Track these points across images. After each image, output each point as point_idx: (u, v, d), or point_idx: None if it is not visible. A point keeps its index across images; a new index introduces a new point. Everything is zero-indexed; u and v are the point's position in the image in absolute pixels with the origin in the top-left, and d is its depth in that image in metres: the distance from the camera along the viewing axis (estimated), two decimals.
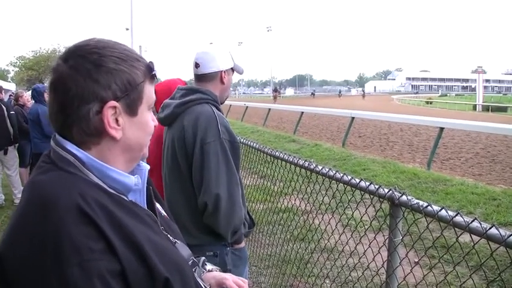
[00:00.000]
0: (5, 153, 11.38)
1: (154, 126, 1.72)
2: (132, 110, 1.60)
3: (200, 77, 3.72)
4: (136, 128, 1.63)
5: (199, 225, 3.49)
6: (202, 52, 3.73)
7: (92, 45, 1.57)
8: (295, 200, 5.98)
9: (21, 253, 1.37)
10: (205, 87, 3.67)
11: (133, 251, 1.42)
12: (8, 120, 11.18)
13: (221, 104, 3.77)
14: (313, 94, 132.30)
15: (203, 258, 2.06)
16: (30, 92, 12.73)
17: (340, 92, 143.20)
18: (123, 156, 1.62)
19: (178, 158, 3.54)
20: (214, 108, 3.57)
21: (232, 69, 3.85)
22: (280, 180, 5.72)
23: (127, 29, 66.97)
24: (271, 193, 7.02)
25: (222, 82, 3.74)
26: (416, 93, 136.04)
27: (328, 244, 5.09)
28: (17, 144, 11.77)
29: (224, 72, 3.72)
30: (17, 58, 62.84)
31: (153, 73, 1.67)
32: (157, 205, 1.84)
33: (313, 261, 5.87)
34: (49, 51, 60.97)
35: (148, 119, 1.67)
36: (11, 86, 32.83)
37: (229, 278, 2.08)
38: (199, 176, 3.42)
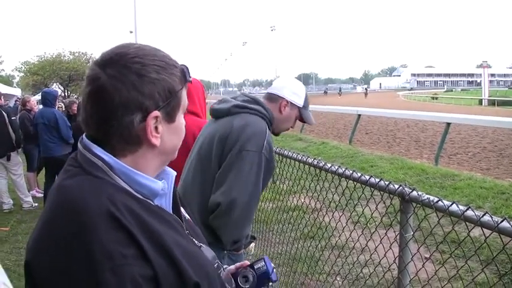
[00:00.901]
0: (8, 159, 11.38)
1: None
2: (171, 117, 1.60)
3: (267, 95, 3.80)
4: (173, 134, 1.64)
5: (205, 223, 3.45)
6: (286, 78, 3.90)
7: (132, 54, 1.55)
8: (304, 198, 5.98)
9: (50, 260, 1.36)
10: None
11: (163, 255, 1.42)
12: (9, 126, 11.13)
13: (274, 134, 3.80)
14: (325, 92, 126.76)
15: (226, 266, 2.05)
16: (35, 96, 12.76)
17: (340, 90, 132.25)
18: (156, 161, 1.63)
19: (212, 152, 3.52)
20: (267, 126, 3.59)
21: (299, 109, 3.80)
22: (289, 178, 5.74)
23: (131, 32, 66.98)
24: (280, 192, 7.03)
25: (280, 111, 3.72)
26: (411, 89, 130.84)
27: (338, 241, 5.09)
28: (19, 150, 11.80)
29: (286, 102, 3.72)
30: (22, 63, 62.75)
31: (189, 80, 1.67)
32: (182, 209, 1.84)
33: (324, 258, 5.89)
34: (54, 56, 60.88)
35: (183, 123, 1.69)
36: (16, 91, 32.97)
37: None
38: (223, 176, 3.40)
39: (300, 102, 3.76)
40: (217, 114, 3.71)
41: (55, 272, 1.35)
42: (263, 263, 2.04)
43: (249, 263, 2.05)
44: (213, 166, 3.50)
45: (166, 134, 1.59)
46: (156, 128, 1.55)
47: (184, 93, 1.65)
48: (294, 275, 6.07)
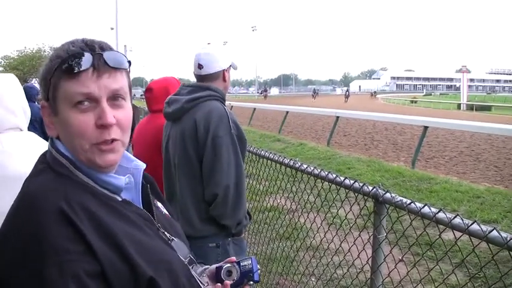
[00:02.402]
0: None
1: (102, 126, 1.54)
2: (53, 109, 1.58)
3: (204, 77, 3.86)
4: (62, 128, 1.58)
5: (203, 218, 3.63)
6: (204, 53, 3.86)
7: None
8: (280, 199, 6.02)
9: (8, 252, 1.40)
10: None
11: (114, 251, 1.44)
12: None
13: None
14: (315, 93, 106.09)
15: (205, 266, 2.03)
16: None
17: (315, 91, 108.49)
18: (77, 155, 1.57)
19: (189, 151, 3.66)
20: (223, 105, 3.76)
21: (231, 66, 3.98)
22: (265, 179, 5.75)
23: (112, 29, 67.00)
24: (256, 192, 7.05)
25: (224, 80, 3.90)
26: (374, 92, 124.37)
27: (313, 242, 5.12)
28: None
29: (226, 70, 3.89)
30: (2, 58, 62.19)
31: (65, 66, 1.52)
32: (158, 203, 1.85)
33: (298, 259, 5.90)
34: (34, 51, 60.43)
35: (71, 119, 1.53)
36: None
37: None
38: (209, 168, 3.57)
39: (230, 61, 3.96)
40: (172, 116, 3.84)
41: (12, 263, 1.38)
42: (250, 261, 2.05)
43: (236, 260, 2.06)
44: (193, 163, 3.64)
45: (58, 127, 1.60)
46: (51, 120, 1.61)
47: (64, 85, 1.52)
48: (269, 275, 6.08)
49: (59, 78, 1.52)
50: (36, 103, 11.50)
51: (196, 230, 3.58)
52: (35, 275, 1.34)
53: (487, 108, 57.44)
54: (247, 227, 4.15)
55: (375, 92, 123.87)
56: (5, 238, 1.43)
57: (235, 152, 3.62)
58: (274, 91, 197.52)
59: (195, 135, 3.62)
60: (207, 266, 2.03)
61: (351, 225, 3.85)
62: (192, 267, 1.81)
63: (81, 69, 1.51)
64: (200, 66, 3.83)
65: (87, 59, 1.52)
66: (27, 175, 1.60)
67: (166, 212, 1.91)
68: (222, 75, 3.87)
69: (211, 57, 3.85)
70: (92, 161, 1.56)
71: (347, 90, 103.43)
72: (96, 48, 1.56)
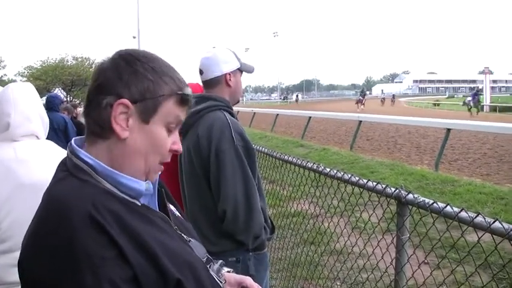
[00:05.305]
0: None
1: (174, 151, 1.74)
2: (145, 117, 1.62)
3: (206, 84, 3.68)
4: (145, 137, 1.64)
5: (219, 233, 3.44)
6: (204, 57, 3.67)
7: (137, 51, 1.68)
8: (304, 204, 6.02)
9: (39, 261, 1.43)
10: (212, 93, 3.62)
11: (144, 255, 1.47)
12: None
13: (234, 105, 3.72)
14: (363, 96, 77.08)
15: (220, 261, 2.01)
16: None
17: (363, 92, 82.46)
18: (128, 163, 1.63)
19: (195, 167, 3.50)
20: (227, 115, 3.53)
21: (240, 70, 3.74)
22: (289, 184, 5.77)
23: (134, 37, 67.22)
24: (280, 197, 7.07)
25: (228, 85, 3.64)
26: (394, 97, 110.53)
27: (337, 246, 5.13)
28: None
29: (229, 74, 3.63)
30: (25, 68, 62.50)
31: (181, 93, 1.69)
32: (171, 206, 1.88)
33: (323, 263, 5.91)
34: (57, 61, 60.72)
35: (160, 135, 1.67)
36: None
37: (248, 279, 2.10)
38: (216, 183, 3.39)
39: (236, 64, 3.70)
40: (181, 131, 3.68)
41: (43, 272, 1.41)
42: None
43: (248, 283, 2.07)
44: (202, 179, 3.49)
45: (137, 133, 1.62)
46: (126, 120, 1.60)
47: (170, 107, 1.67)
48: (294, 279, 6.10)
49: (169, 99, 1.67)
50: (61, 112, 11.60)
51: (214, 245, 3.37)
52: (71, 284, 1.37)
53: (511, 110, 56.76)
54: (271, 241, 4.00)
55: (393, 95, 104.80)
56: (36, 250, 1.46)
57: (241, 164, 3.41)
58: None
59: (199, 150, 3.46)
60: (222, 262, 2.02)
61: (375, 227, 3.87)
62: (209, 266, 1.85)
63: (188, 104, 1.74)
64: (201, 72, 3.67)
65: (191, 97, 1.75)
66: (43, 183, 1.63)
67: (179, 215, 1.95)
68: (223, 80, 3.62)
69: (210, 61, 3.63)
70: (147, 174, 1.69)
71: (362, 93, 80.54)
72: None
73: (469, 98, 55.57)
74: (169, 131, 1.70)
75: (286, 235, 6.49)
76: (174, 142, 1.72)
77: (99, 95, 1.60)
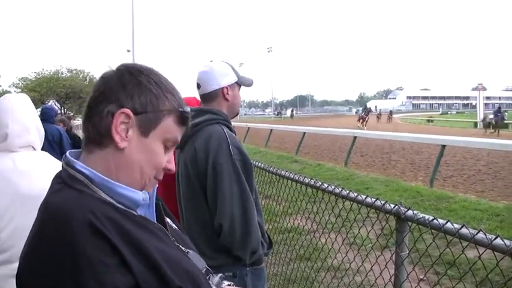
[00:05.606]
0: None
1: (167, 170, 1.75)
2: (144, 130, 1.63)
3: (203, 97, 3.67)
4: (142, 150, 1.64)
5: (216, 247, 3.40)
6: (202, 71, 3.65)
7: (142, 66, 1.70)
8: (301, 219, 6.02)
9: (39, 272, 1.41)
10: (210, 106, 3.61)
11: (145, 263, 1.46)
12: None
13: (232, 118, 3.71)
14: (367, 112, 69.93)
15: (220, 274, 2.01)
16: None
17: (366, 109, 73.97)
18: (125, 173, 1.63)
19: (192, 180, 3.48)
20: (225, 129, 3.51)
21: (238, 84, 3.72)
22: (286, 200, 5.76)
23: (128, 51, 67.20)
24: (276, 212, 7.06)
25: (226, 99, 3.62)
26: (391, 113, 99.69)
27: (334, 263, 5.12)
28: None
29: (226, 88, 3.61)
30: (20, 79, 62.53)
31: (181, 111, 1.71)
32: (168, 219, 1.87)
33: (319, 280, 5.90)
34: (51, 73, 60.83)
35: (157, 150, 1.68)
36: None
37: None
38: (213, 197, 3.37)
39: (234, 78, 3.67)
40: (178, 144, 3.65)
41: (44, 283, 1.40)
42: None
43: None
44: (199, 193, 3.47)
45: (135, 145, 1.63)
46: (126, 130, 1.60)
47: (169, 123, 1.69)
48: None
49: (170, 115, 1.69)
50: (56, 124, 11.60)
51: (210, 259, 3.03)
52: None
53: (505, 126, 56.92)
54: (268, 256, 3.96)
55: (391, 112, 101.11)
56: (36, 262, 1.44)
57: (238, 179, 3.37)
58: (290, 113, 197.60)
59: (196, 164, 3.44)
60: (222, 275, 2.02)
61: (373, 244, 3.86)
62: (209, 278, 1.84)
63: (187, 124, 1.76)
64: (198, 86, 3.65)
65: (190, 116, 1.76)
66: (43, 194, 1.62)
67: (176, 227, 1.94)
68: (221, 93, 3.60)
69: (208, 74, 3.61)
70: (143, 187, 1.70)
71: (365, 110, 72.23)
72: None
73: (491, 116, 53.32)
74: (166, 148, 1.71)
75: (282, 250, 6.47)
76: (169, 161, 1.73)
77: (101, 103, 1.60)
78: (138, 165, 1.64)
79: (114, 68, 1.68)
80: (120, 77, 1.63)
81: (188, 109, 1.73)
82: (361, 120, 65.15)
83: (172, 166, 1.75)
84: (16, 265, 1.54)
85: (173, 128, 1.70)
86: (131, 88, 1.61)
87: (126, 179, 1.63)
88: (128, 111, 1.58)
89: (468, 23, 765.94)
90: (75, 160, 1.62)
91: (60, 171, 1.65)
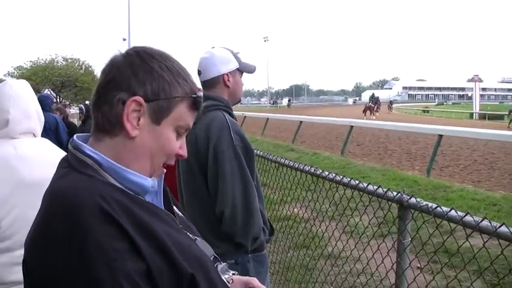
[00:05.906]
0: None
1: (179, 156, 1.73)
2: (156, 117, 1.60)
3: (204, 84, 3.61)
4: (154, 137, 1.61)
5: (218, 234, 3.35)
6: (202, 58, 3.64)
7: (152, 49, 1.66)
8: (300, 208, 6.00)
9: (47, 258, 1.38)
10: (212, 93, 3.55)
11: (156, 249, 1.43)
12: None
13: (233, 105, 3.70)
14: (375, 100, 66.73)
15: (225, 263, 1.97)
16: None
17: (373, 98, 70.54)
18: (135, 161, 1.61)
19: (193, 168, 3.47)
20: (226, 115, 3.49)
21: (240, 70, 3.69)
22: (285, 187, 5.75)
23: (124, 39, 67.03)
24: (274, 200, 7.04)
25: (227, 85, 3.59)
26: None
27: (333, 250, 5.11)
28: None
29: (227, 74, 3.58)
30: (15, 68, 62.20)
31: (194, 97, 1.68)
32: (174, 207, 1.85)
33: (318, 267, 5.90)
34: (47, 61, 60.60)
35: (170, 137, 1.65)
36: None
37: (255, 280, 2.07)
38: (214, 185, 3.35)
39: (235, 64, 3.65)
40: None
41: (52, 269, 1.37)
42: None
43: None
44: (199, 180, 3.46)
45: (147, 133, 1.60)
46: (138, 118, 1.57)
47: (182, 110, 1.66)
48: (288, 283, 6.08)
49: (182, 101, 1.66)
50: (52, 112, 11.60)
51: (213, 247, 3.14)
52: (84, 277, 1.32)
53: (500, 117, 57.09)
54: (270, 242, 3.93)
55: (391, 102, 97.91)
56: (45, 247, 1.40)
57: (240, 165, 3.35)
58: (286, 101, 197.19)
59: (197, 150, 3.40)
60: (227, 263, 1.99)
61: (374, 232, 3.85)
62: (216, 265, 1.82)
63: (199, 109, 1.74)
64: (199, 72, 3.62)
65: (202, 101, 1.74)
66: (44, 181, 1.61)
67: (182, 215, 1.92)
68: (221, 80, 3.57)
69: (208, 61, 3.60)
70: (152, 174, 1.67)
71: (374, 98, 68.63)
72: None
73: None
74: (178, 134, 1.69)
75: (282, 238, 6.46)
76: (181, 146, 1.72)
77: (111, 90, 1.57)
78: (149, 153, 1.62)
79: (123, 52, 1.64)
80: (131, 63, 1.59)
81: (201, 94, 1.71)
82: (367, 111, 59.73)
83: (184, 152, 1.73)
84: (17, 253, 1.52)
85: (186, 114, 1.68)
86: (143, 75, 1.57)
87: (136, 167, 1.60)
88: (140, 99, 1.55)
89: (465, 15, 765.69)
90: (84, 144, 1.59)
91: (67, 156, 1.62)
